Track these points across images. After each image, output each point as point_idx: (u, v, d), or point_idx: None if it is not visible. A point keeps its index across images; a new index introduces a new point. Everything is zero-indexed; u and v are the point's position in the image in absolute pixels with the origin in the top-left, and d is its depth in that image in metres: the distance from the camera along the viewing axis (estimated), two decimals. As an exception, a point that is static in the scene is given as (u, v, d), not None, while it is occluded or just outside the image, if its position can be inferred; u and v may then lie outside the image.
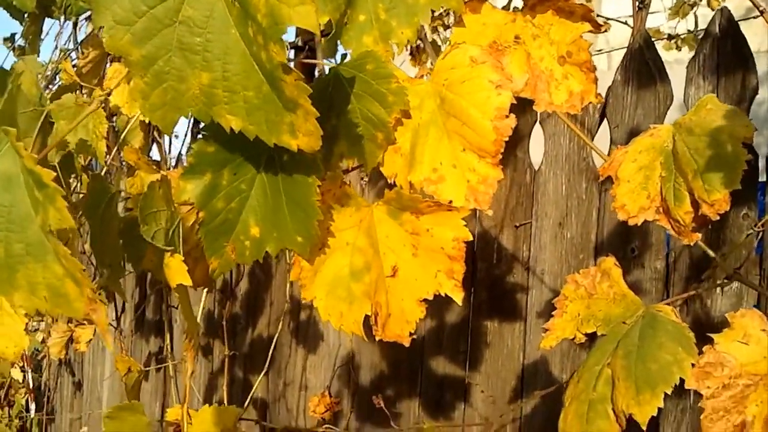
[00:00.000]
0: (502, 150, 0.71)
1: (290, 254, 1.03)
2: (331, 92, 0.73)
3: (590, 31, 0.77)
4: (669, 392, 0.74)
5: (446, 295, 0.74)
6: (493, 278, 1.65)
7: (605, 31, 0.77)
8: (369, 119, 0.72)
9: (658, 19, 3.09)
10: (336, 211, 0.75)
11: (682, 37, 2.95)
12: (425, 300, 0.75)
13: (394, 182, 0.74)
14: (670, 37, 2.88)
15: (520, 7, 0.80)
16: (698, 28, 2.86)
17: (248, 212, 0.70)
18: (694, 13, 2.91)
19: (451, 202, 0.73)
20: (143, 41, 0.61)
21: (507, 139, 0.70)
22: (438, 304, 1.74)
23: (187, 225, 0.78)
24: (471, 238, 0.74)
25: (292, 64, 0.64)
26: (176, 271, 0.74)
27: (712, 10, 2.41)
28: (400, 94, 0.71)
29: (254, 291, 2.28)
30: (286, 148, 0.62)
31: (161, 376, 2.64)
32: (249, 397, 1.58)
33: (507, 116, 0.70)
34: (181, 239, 0.75)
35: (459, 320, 1.71)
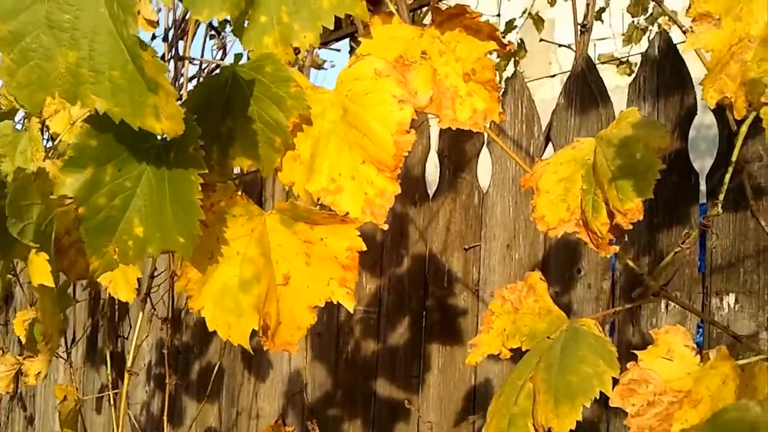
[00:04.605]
0: (402, 164, 0.70)
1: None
2: (228, 92, 0.71)
3: (495, 50, 0.76)
4: (588, 405, 0.73)
5: (338, 302, 0.73)
6: (443, 301, 1.64)
7: (509, 51, 0.77)
8: (267, 122, 0.70)
9: (612, 46, 3.16)
10: (228, 220, 0.73)
11: (634, 62, 3.02)
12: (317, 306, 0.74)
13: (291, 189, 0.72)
14: (621, 62, 2.93)
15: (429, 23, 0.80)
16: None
17: (133, 211, 0.67)
18: (648, 38, 2.98)
19: (347, 214, 0.71)
20: (11, 16, 0.59)
21: (407, 153, 0.69)
22: (391, 329, 1.72)
23: (71, 217, 0.75)
24: (365, 248, 0.73)
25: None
26: (39, 269, 0.72)
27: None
28: (299, 98, 0.69)
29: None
30: (153, 132, 0.60)
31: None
32: (192, 423, 1.53)
33: (408, 131, 0.70)
34: (52, 236, 0.72)
35: (411, 344, 1.70)
